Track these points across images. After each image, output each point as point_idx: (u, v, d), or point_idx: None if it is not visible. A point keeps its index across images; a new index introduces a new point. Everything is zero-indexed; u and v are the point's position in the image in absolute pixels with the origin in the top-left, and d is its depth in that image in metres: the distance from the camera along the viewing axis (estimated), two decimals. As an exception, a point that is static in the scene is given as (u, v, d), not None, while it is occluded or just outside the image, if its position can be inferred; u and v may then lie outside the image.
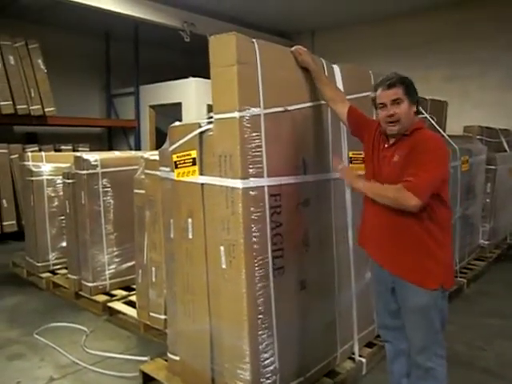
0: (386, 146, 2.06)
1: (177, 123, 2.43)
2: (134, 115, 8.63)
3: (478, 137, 5.77)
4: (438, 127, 4.56)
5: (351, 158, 2.79)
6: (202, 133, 2.21)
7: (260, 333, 2.16)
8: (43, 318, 3.65)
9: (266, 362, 2.20)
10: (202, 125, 2.21)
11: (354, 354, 2.83)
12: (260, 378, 2.17)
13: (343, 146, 2.73)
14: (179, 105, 7.90)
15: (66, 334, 3.41)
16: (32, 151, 6.09)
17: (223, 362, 2.27)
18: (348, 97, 2.66)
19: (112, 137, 9.35)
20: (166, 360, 2.72)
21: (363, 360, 2.81)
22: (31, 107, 6.50)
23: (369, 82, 2.94)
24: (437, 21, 7.63)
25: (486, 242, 5.36)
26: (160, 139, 8.52)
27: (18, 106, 6.34)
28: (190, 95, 7.79)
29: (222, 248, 2.15)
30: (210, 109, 7.26)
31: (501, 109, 7.22)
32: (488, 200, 5.42)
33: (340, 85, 2.67)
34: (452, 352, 2.94)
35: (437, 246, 1.96)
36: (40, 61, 6.67)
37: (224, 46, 2.03)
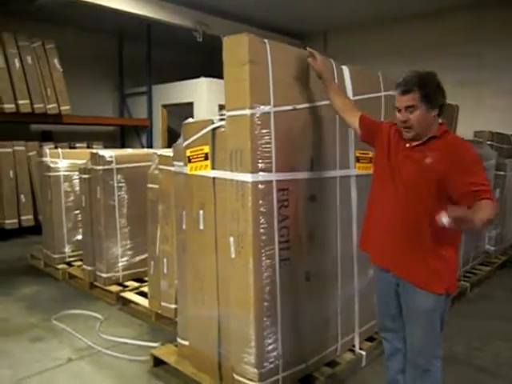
0: (407, 145, 2.00)
1: (190, 120, 2.57)
2: (147, 114, 8.82)
3: (489, 142, 5.73)
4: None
5: (358, 157, 2.89)
6: (214, 129, 2.35)
7: (265, 320, 2.29)
8: (60, 306, 3.82)
9: (270, 348, 2.32)
10: (215, 121, 2.35)
11: (354, 346, 2.93)
12: (264, 362, 2.30)
13: (350, 145, 2.84)
14: (191, 104, 8.06)
15: (82, 320, 3.57)
16: (48, 148, 6.30)
17: (230, 346, 2.40)
18: (356, 97, 2.79)
19: (124, 135, 9.56)
20: (175, 346, 2.86)
21: (363, 353, 2.91)
22: (47, 106, 6.69)
23: (378, 84, 3.05)
24: (449, 23, 7.61)
25: (492, 248, 5.31)
26: (171, 138, 8.71)
27: (35, 105, 6.52)
28: (202, 95, 7.95)
29: (231, 239, 2.28)
30: (221, 108, 7.45)
31: None
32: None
33: (349, 86, 2.78)
34: (450, 352, 3.07)
35: (446, 249, 1.95)
36: (56, 61, 6.85)
37: (237, 46, 2.16)
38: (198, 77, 7.97)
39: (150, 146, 8.70)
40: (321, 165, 2.59)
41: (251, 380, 2.29)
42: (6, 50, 6.26)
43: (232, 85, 2.22)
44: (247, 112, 2.15)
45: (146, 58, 8.64)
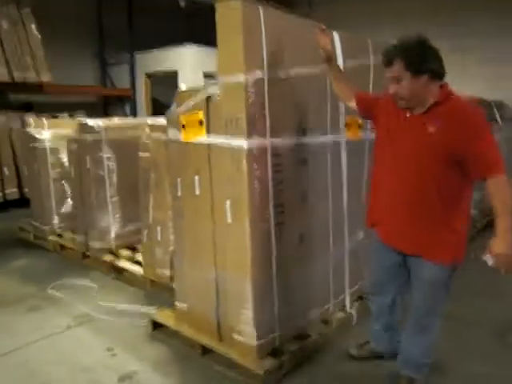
0: (408, 115, 1.96)
1: (183, 86, 2.57)
2: (129, 83, 8.65)
3: None
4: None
5: (348, 123, 2.95)
6: (208, 96, 2.36)
7: (261, 281, 2.38)
8: (54, 276, 3.86)
9: (267, 307, 2.43)
10: (209, 88, 2.35)
11: (345, 306, 3.07)
12: (261, 321, 2.40)
13: (340, 111, 2.88)
14: (175, 73, 7.93)
15: (78, 289, 3.63)
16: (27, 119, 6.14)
17: (228, 307, 2.49)
18: (346, 63, 2.82)
19: (107, 105, 9.38)
20: (173, 310, 2.95)
21: (353, 312, 3.05)
22: (27, 75, 6.49)
23: (367, 50, 3.08)
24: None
25: (474, 211, 5.44)
26: (156, 108, 8.59)
27: (14, 74, 6.32)
28: (186, 62, 7.82)
29: (227, 203, 2.34)
30: (206, 76, 7.34)
31: (498, 82, 7.29)
32: None
33: (339, 51, 2.80)
34: None
35: (456, 218, 1.95)
36: (33, 26, 6.59)
37: (230, 13, 2.15)
38: (181, 44, 7.82)
39: (134, 115, 8.59)
40: (313, 130, 2.63)
41: (249, 338, 2.39)
42: (-22, 14, 6.01)
43: (225, 52, 2.22)
44: (241, 79, 2.16)
45: (127, 24, 8.39)
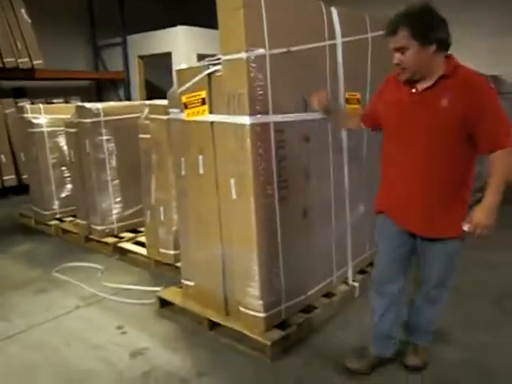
0: (414, 91, 1.88)
1: (183, 66, 2.57)
2: (123, 66, 8.57)
3: None
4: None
5: (347, 98, 2.97)
6: (210, 74, 2.37)
7: (267, 255, 2.43)
8: (58, 260, 3.90)
9: (272, 281, 2.49)
10: (210, 66, 2.36)
11: (347, 278, 3.15)
12: (267, 294, 2.46)
13: (340, 87, 2.90)
14: (169, 54, 7.85)
15: (83, 271, 3.68)
16: (23, 105, 6.10)
17: (234, 282, 2.55)
18: (344, 39, 2.83)
19: (101, 89, 9.29)
20: (179, 288, 3.01)
21: (356, 284, 3.12)
22: (19, 60, 6.41)
23: (365, 26, 3.08)
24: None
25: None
26: (149, 91, 8.53)
27: (6, 59, 6.24)
28: (179, 44, 7.73)
29: (232, 180, 2.37)
30: (199, 58, 7.27)
31: (495, 56, 7.27)
32: None
33: (337, 28, 2.80)
34: None
35: (464, 190, 1.95)
36: (23, 10, 6.49)
37: (230, -10, 2.15)
38: (174, 25, 7.72)
39: (128, 99, 8.53)
40: (314, 106, 2.65)
41: (256, 311, 2.46)
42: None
43: (227, 29, 2.22)
44: (243, 55, 2.18)
45: (119, 6, 8.26)
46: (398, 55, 1.81)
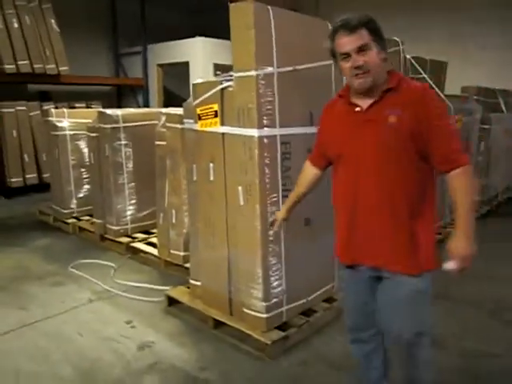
0: (358, 109, 1.67)
1: (199, 80, 2.77)
2: (142, 74, 8.86)
3: (475, 97, 5.86)
4: (435, 87, 4.84)
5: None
6: (222, 89, 2.56)
7: (270, 259, 2.59)
8: (74, 256, 4.12)
9: (275, 284, 2.64)
10: (223, 82, 2.55)
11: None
12: (270, 296, 2.62)
13: (345, 103, 3.06)
14: (187, 64, 8.12)
15: (97, 268, 3.88)
16: (48, 108, 6.42)
17: (239, 284, 2.71)
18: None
19: (121, 95, 9.61)
20: (187, 287, 3.18)
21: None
22: (47, 66, 6.76)
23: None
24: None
25: (477, 198, 5.70)
26: (167, 98, 8.80)
27: (35, 65, 6.59)
28: (197, 54, 7.99)
29: (239, 188, 2.55)
30: (216, 68, 7.52)
31: (502, 68, 7.29)
32: (481, 158, 5.57)
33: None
34: (435, 289, 3.33)
35: (423, 221, 1.68)
36: (53, 21, 6.88)
37: (243, 13, 2.34)
38: (192, 36, 7.99)
39: (147, 105, 8.81)
40: (318, 120, 2.81)
41: (259, 312, 2.61)
42: (4, 11, 6.27)
43: (239, 48, 2.42)
44: (253, 73, 2.36)
45: (140, 16, 8.59)
46: (359, 57, 1.57)
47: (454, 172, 1.60)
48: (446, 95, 4.88)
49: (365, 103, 1.66)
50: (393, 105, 1.61)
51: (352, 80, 1.63)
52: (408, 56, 4.66)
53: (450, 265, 1.57)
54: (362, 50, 1.57)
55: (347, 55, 1.59)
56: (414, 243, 1.67)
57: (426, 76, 4.87)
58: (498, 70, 7.28)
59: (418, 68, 4.79)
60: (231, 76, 2.50)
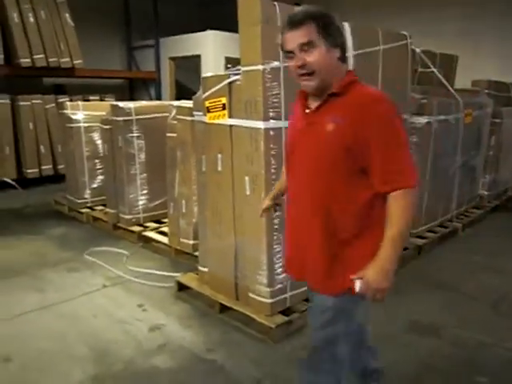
0: (307, 111, 1.52)
1: (209, 74, 2.87)
2: (154, 67, 8.99)
3: (486, 91, 5.79)
4: (444, 81, 4.87)
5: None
6: (230, 82, 2.66)
7: (275, 247, 2.70)
8: (88, 244, 4.28)
9: (279, 271, 2.75)
10: (231, 76, 2.65)
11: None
12: (274, 282, 2.73)
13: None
14: (198, 57, 8.22)
15: (110, 255, 4.03)
16: (63, 101, 6.60)
17: (245, 270, 2.83)
18: (356, 52, 3.07)
19: (133, 88, 9.76)
20: (196, 274, 3.31)
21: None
22: (61, 60, 6.92)
23: (377, 39, 3.30)
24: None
25: (486, 193, 5.59)
26: (179, 91, 8.92)
27: (50, 59, 6.75)
28: (209, 47, 8.09)
29: (246, 178, 2.65)
30: (227, 61, 7.62)
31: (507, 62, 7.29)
32: (491, 152, 5.58)
33: (350, 42, 3.03)
34: (437, 279, 3.56)
35: (374, 244, 1.46)
36: (68, 15, 7.03)
37: (250, 9, 2.44)
38: (204, 30, 8.08)
39: (159, 98, 8.94)
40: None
41: (263, 297, 2.73)
42: (20, 6, 6.42)
43: (246, 43, 2.51)
44: (260, 67, 2.46)
45: (153, 10, 8.70)
46: (301, 55, 1.41)
47: (392, 194, 1.42)
48: (456, 89, 4.90)
49: (314, 105, 1.51)
50: (335, 111, 1.44)
51: (298, 81, 1.47)
52: (417, 50, 4.69)
53: (357, 285, 1.45)
54: (305, 47, 1.40)
55: (291, 53, 1.43)
56: (338, 264, 1.52)
57: (435, 70, 4.89)
58: (509, 64, 7.23)
59: (427, 61, 4.81)
60: (239, 70, 2.60)
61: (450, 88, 4.83)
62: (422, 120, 4.14)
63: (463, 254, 4.17)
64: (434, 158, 4.30)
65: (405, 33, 3.61)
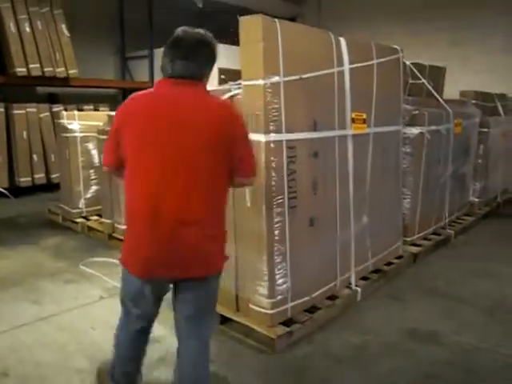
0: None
1: (208, 88, 2.90)
2: (148, 77, 9.00)
3: (474, 101, 5.97)
4: (434, 93, 4.99)
5: (353, 118, 3.25)
6: (232, 96, 2.70)
7: (276, 258, 2.72)
8: (84, 254, 4.25)
9: (280, 282, 2.77)
10: (232, 89, 2.69)
11: (350, 283, 3.40)
12: (275, 293, 2.75)
13: (347, 108, 3.18)
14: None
15: (106, 266, 4.00)
16: (58, 110, 6.60)
17: (246, 281, 2.85)
18: (352, 66, 3.13)
19: (126, 98, 9.71)
20: (195, 284, 3.30)
21: (358, 289, 3.38)
22: (56, 69, 6.90)
23: (371, 53, 3.38)
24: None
25: (476, 200, 5.73)
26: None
27: (45, 69, 6.73)
28: (203, 58, 8.12)
29: (247, 190, 2.68)
30: (221, 72, 7.63)
31: (501, 74, 7.43)
32: (480, 161, 5.72)
33: (346, 56, 3.09)
34: (433, 286, 3.60)
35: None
36: (64, 26, 7.04)
37: (252, 26, 2.49)
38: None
39: (153, 108, 8.92)
40: (322, 126, 2.96)
41: (264, 308, 2.74)
42: (17, 16, 6.43)
43: (247, 59, 2.56)
44: (261, 82, 2.50)
45: (147, 21, 8.74)
46: None
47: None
48: (445, 100, 5.02)
49: None
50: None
51: None
52: (407, 62, 4.81)
53: None
54: None
55: None
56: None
57: (425, 81, 5.01)
58: (497, 75, 7.42)
59: (417, 74, 4.94)
60: (240, 84, 2.64)
61: (440, 99, 4.95)
62: (415, 131, 4.22)
63: (457, 261, 4.25)
64: (426, 167, 4.39)
65: (396, 47, 3.72)
